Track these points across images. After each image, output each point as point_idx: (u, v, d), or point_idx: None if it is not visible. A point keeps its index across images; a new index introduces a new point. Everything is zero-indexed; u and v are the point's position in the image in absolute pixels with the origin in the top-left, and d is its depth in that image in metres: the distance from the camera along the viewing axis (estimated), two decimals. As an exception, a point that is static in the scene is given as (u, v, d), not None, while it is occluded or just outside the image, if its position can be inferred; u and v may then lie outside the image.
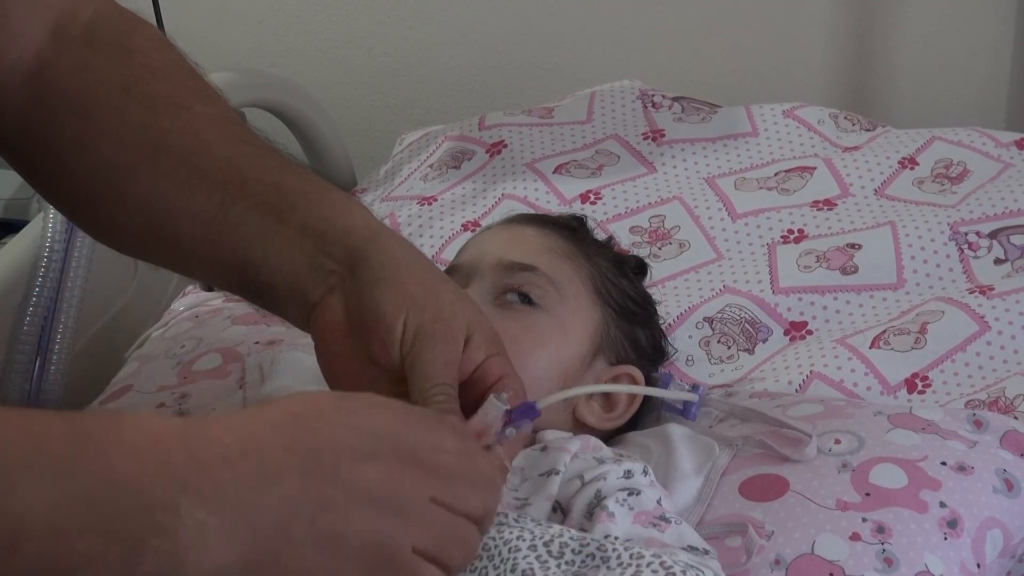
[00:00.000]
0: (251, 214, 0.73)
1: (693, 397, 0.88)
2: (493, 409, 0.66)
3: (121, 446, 0.55)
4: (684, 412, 0.89)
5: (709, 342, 1.07)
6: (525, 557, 0.63)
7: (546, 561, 0.63)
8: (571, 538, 0.65)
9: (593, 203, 1.25)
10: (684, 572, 0.63)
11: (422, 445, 0.60)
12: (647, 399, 0.90)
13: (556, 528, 0.66)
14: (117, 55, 0.78)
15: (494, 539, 0.65)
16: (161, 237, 0.75)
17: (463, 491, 0.61)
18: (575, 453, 0.77)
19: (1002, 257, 1.11)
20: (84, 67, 0.77)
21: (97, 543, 0.53)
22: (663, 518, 0.72)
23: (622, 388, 0.87)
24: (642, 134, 1.35)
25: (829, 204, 1.21)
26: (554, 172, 1.31)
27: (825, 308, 1.09)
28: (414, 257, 0.73)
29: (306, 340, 1.02)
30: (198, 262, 0.76)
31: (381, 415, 0.61)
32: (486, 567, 0.63)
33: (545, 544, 0.64)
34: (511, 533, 0.65)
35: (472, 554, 0.61)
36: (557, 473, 0.75)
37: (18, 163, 0.81)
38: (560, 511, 0.74)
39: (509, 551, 0.64)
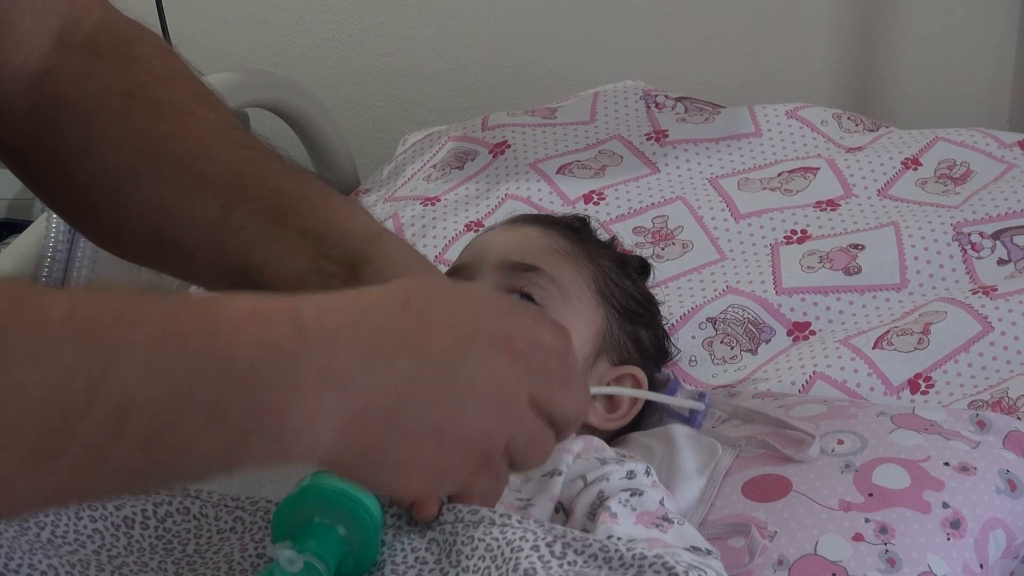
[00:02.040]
0: (253, 218, 0.73)
1: (700, 406, 0.88)
2: None
3: (219, 325, 0.53)
4: (689, 420, 0.89)
5: (712, 342, 1.07)
6: (527, 557, 0.63)
7: (548, 562, 0.63)
8: (574, 539, 0.65)
9: (596, 203, 1.25)
10: (687, 572, 0.63)
11: (525, 338, 0.61)
12: (649, 401, 0.90)
13: (559, 529, 0.66)
14: (120, 62, 0.78)
15: (497, 540, 0.65)
16: (163, 242, 0.76)
17: (559, 392, 0.62)
18: (577, 454, 0.77)
19: (1005, 258, 1.11)
20: (87, 73, 0.77)
21: (203, 424, 0.51)
22: (666, 518, 0.72)
23: (631, 392, 0.87)
24: (645, 134, 1.36)
25: (832, 205, 1.21)
26: (557, 172, 1.31)
27: (828, 308, 1.09)
28: (414, 259, 0.73)
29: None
30: (200, 267, 0.76)
31: (488, 305, 0.62)
32: (488, 567, 0.64)
33: (548, 544, 0.64)
34: (514, 534, 0.65)
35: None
36: (559, 474, 0.75)
37: (21, 169, 0.81)
38: (563, 512, 0.74)
39: (512, 551, 0.64)
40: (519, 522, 0.66)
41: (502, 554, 0.64)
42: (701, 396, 0.90)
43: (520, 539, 0.64)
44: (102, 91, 0.77)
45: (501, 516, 0.66)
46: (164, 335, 0.51)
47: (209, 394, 0.51)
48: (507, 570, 0.62)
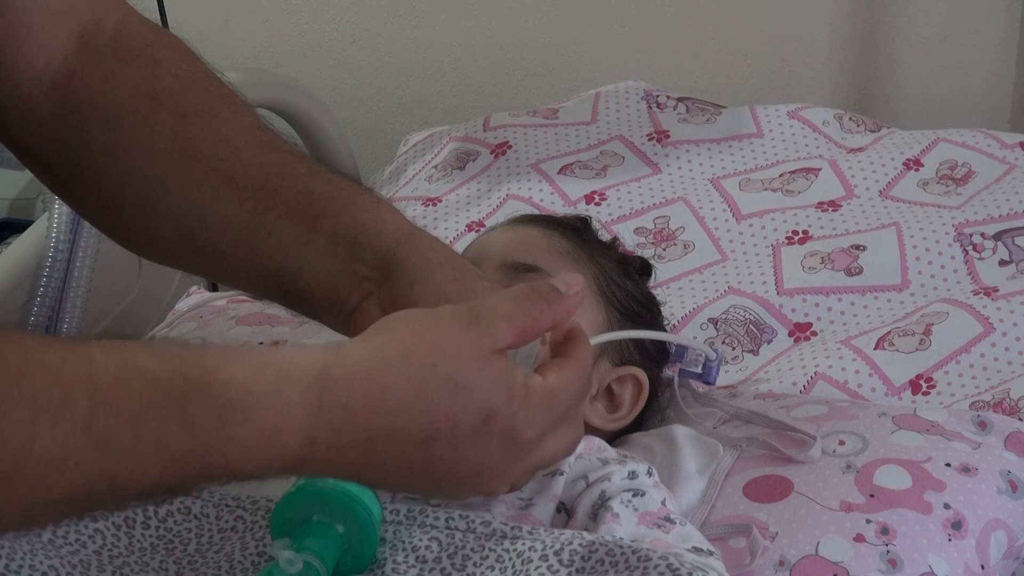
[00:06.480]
0: (283, 223, 0.73)
1: (711, 353, 0.89)
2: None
3: (234, 444, 0.56)
4: (704, 376, 0.89)
5: (714, 343, 1.07)
6: (537, 568, 0.64)
7: (557, 571, 0.64)
8: (580, 544, 0.65)
9: (598, 204, 1.26)
10: (691, 574, 0.63)
11: (519, 425, 0.61)
12: (651, 401, 0.90)
13: (567, 535, 0.66)
14: (144, 65, 0.78)
15: (508, 551, 0.66)
16: (194, 246, 0.76)
17: (548, 459, 0.65)
18: (579, 454, 0.77)
19: (1007, 259, 1.12)
20: (111, 77, 0.77)
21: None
22: (668, 519, 0.72)
23: (640, 333, 0.88)
24: (647, 135, 1.36)
25: (834, 205, 1.22)
26: (559, 173, 1.31)
27: (830, 309, 1.09)
28: (447, 256, 0.74)
29: (311, 341, 1.03)
30: (233, 270, 0.76)
31: (487, 382, 0.61)
32: (497, 578, 0.65)
33: (556, 553, 0.65)
34: (523, 545, 0.65)
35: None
36: (561, 474, 0.75)
37: (45, 174, 0.81)
38: (564, 512, 0.75)
39: (522, 563, 0.65)
40: (529, 533, 0.66)
41: (512, 566, 0.65)
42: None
43: (529, 549, 0.65)
44: (128, 95, 0.77)
45: (513, 528, 0.67)
46: (178, 456, 0.55)
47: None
48: (518, 582, 0.63)
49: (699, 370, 0.90)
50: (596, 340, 0.71)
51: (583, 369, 0.65)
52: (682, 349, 0.91)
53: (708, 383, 0.91)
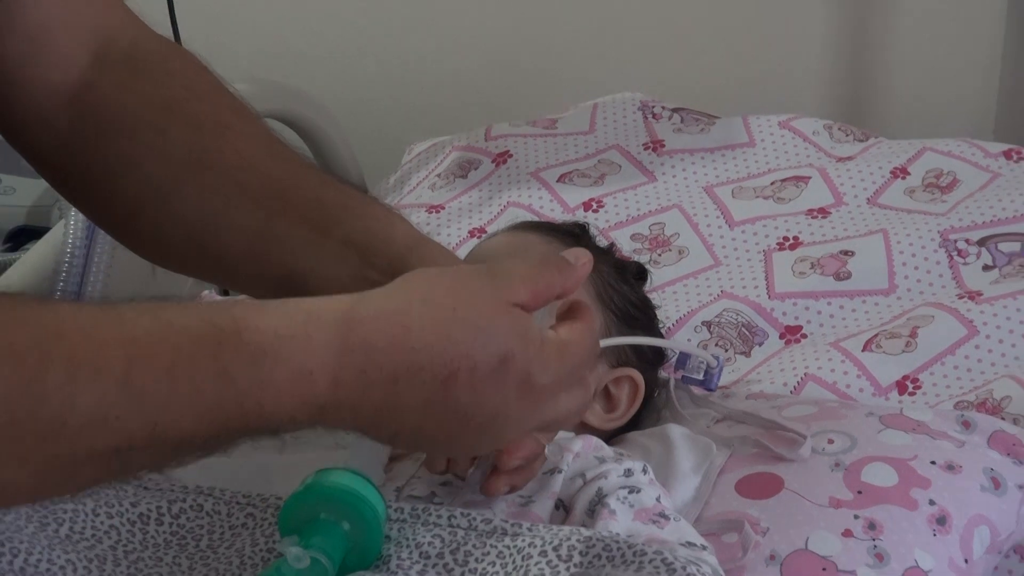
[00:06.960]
0: (295, 228, 0.74)
1: (713, 361, 0.90)
2: None
3: (266, 389, 0.57)
4: (705, 382, 0.90)
5: (707, 345, 1.08)
6: (536, 563, 0.65)
7: (556, 566, 0.64)
8: (578, 540, 0.66)
9: (595, 211, 1.27)
10: (685, 568, 0.64)
11: (534, 370, 0.63)
12: (647, 401, 0.92)
13: (566, 531, 0.67)
14: (157, 76, 0.79)
15: (508, 547, 0.66)
16: (208, 253, 0.77)
17: (560, 416, 0.66)
18: (577, 452, 0.78)
19: (990, 264, 1.12)
20: (126, 88, 0.78)
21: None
22: (662, 515, 0.73)
23: (658, 342, 0.90)
24: (643, 144, 1.36)
25: (823, 212, 1.22)
26: (558, 181, 1.32)
27: (819, 313, 1.10)
28: (452, 262, 0.75)
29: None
30: (244, 276, 0.77)
31: (504, 327, 0.62)
32: (498, 573, 0.65)
33: (554, 549, 0.65)
34: (523, 541, 0.66)
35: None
36: (560, 471, 0.76)
37: (62, 183, 0.82)
38: (563, 509, 0.75)
39: (523, 559, 0.65)
40: (529, 529, 0.67)
41: (512, 561, 0.65)
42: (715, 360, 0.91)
43: (529, 545, 0.66)
44: (142, 105, 0.78)
45: (513, 525, 0.68)
46: (213, 404, 0.56)
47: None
48: (518, 576, 0.65)
49: (701, 377, 0.90)
50: (605, 343, 0.72)
51: (592, 331, 0.67)
52: (685, 356, 0.91)
53: (709, 389, 0.91)
